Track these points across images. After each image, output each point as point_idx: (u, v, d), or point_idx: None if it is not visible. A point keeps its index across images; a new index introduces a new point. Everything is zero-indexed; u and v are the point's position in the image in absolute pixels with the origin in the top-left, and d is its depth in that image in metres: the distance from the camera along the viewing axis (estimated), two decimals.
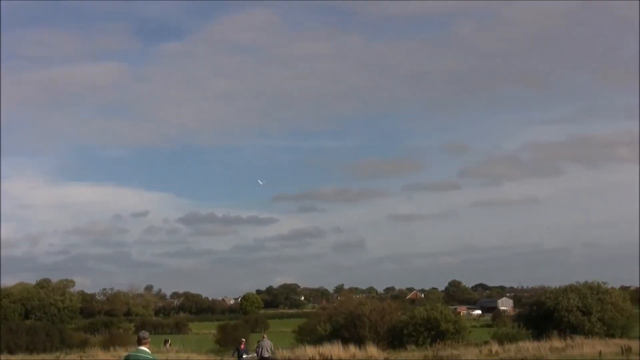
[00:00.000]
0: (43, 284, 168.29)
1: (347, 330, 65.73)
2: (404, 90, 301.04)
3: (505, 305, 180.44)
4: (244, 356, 47.24)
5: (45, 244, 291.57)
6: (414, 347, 60.68)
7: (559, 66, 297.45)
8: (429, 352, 54.95)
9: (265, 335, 49.44)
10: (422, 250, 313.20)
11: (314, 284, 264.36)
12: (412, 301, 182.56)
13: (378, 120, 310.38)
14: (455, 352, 54.07)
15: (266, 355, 45.62)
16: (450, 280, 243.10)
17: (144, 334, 15.42)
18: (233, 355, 48.20)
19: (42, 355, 70.61)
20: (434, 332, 62.68)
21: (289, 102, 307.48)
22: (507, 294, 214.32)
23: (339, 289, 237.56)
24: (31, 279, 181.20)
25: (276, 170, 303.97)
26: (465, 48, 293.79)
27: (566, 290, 67.71)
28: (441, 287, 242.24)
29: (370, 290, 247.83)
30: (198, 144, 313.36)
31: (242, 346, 48.25)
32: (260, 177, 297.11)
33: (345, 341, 60.90)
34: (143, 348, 15.12)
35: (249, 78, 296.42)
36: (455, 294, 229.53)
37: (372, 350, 57.62)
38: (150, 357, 15.01)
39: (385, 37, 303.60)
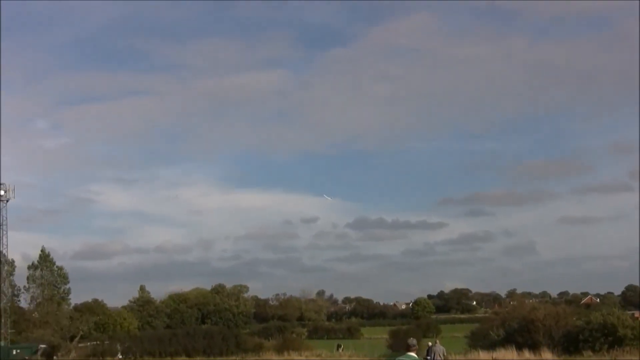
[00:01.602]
0: (218, 289, 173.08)
1: (521, 335, 64.70)
2: (569, 90, 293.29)
3: None
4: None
5: (217, 249, 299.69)
6: (590, 353, 59.14)
7: None
8: (606, 359, 53.51)
9: (437, 341, 49.32)
10: (595, 253, 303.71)
11: (485, 288, 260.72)
12: (587, 306, 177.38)
13: (543, 122, 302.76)
14: (634, 358, 52.46)
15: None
16: (626, 284, 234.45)
17: (412, 341, 16.64)
18: (427, 355, 47.98)
19: (218, 359, 72.53)
20: (611, 338, 60.78)
21: (452, 104, 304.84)
22: None
23: (511, 294, 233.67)
24: (204, 284, 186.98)
25: (441, 173, 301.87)
26: (632, 46, 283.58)
27: None
28: (617, 291, 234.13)
29: (544, 294, 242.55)
30: (363, 149, 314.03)
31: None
32: (425, 180, 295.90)
33: (519, 346, 60.09)
34: (411, 354, 16.18)
35: (412, 81, 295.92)
36: (632, 298, 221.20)
37: (547, 355, 56.67)
38: None
39: (550, 38, 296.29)
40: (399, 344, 77.62)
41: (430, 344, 50.44)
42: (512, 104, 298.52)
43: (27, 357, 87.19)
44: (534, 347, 60.44)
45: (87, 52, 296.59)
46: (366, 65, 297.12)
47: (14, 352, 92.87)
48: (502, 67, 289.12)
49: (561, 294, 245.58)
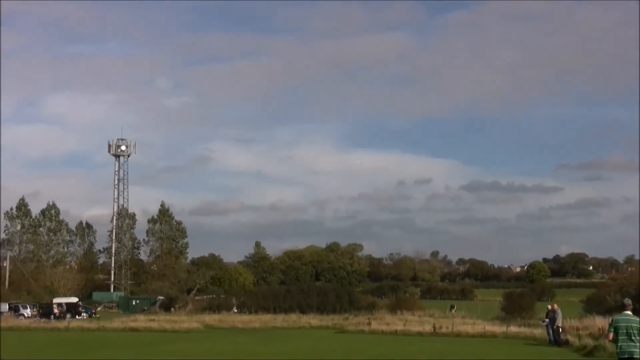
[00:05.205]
0: (333, 248, 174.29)
1: (639, 302, 63.25)
2: None
3: None
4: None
5: (332, 209, 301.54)
6: None
7: None
8: None
9: (550, 306, 48.43)
10: None
11: (602, 254, 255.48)
12: None
13: None
14: None
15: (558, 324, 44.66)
16: None
17: (628, 301, 17.72)
18: (546, 318, 46.93)
19: (331, 316, 73.10)
20: None
21: (576, 70, 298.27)
22: None
23: (630, 260, 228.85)
24: (318, 243, 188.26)
25: (561, 139, 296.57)
26: None
27: None
28: None
29: None
30: (483, 114, 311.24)
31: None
32: (544, 146, 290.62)
33: (637, 313, 58.77)
34: (627, 312, 17.19)
35: (536, 47, 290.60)
36: None
37: None
38: (637, 319, 16.88)
39: None
40: (513, 307, 76.96)
41: (549, 307, 49.32)
42: (636, 70, 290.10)
43: (145, 308, 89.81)
44: None
45: (210, 14, 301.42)
46: (489, 30, 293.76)
47: (134, 303, 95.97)
48: (629, 33, 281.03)
49: None
